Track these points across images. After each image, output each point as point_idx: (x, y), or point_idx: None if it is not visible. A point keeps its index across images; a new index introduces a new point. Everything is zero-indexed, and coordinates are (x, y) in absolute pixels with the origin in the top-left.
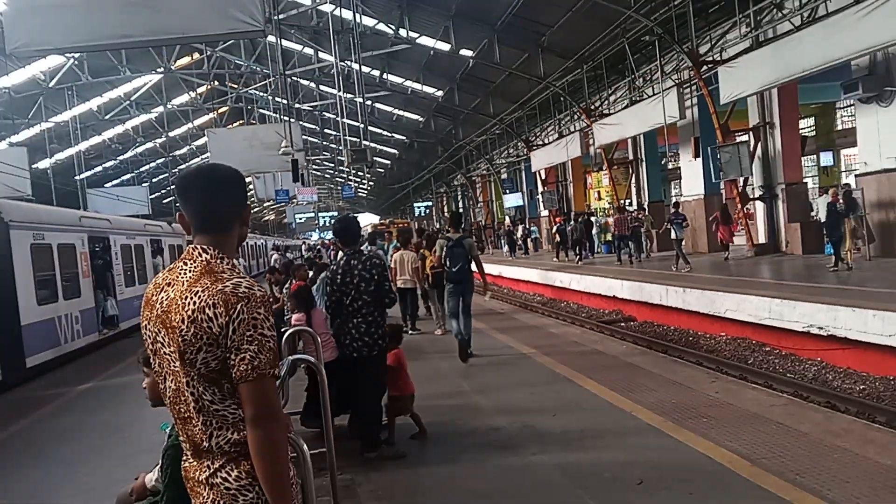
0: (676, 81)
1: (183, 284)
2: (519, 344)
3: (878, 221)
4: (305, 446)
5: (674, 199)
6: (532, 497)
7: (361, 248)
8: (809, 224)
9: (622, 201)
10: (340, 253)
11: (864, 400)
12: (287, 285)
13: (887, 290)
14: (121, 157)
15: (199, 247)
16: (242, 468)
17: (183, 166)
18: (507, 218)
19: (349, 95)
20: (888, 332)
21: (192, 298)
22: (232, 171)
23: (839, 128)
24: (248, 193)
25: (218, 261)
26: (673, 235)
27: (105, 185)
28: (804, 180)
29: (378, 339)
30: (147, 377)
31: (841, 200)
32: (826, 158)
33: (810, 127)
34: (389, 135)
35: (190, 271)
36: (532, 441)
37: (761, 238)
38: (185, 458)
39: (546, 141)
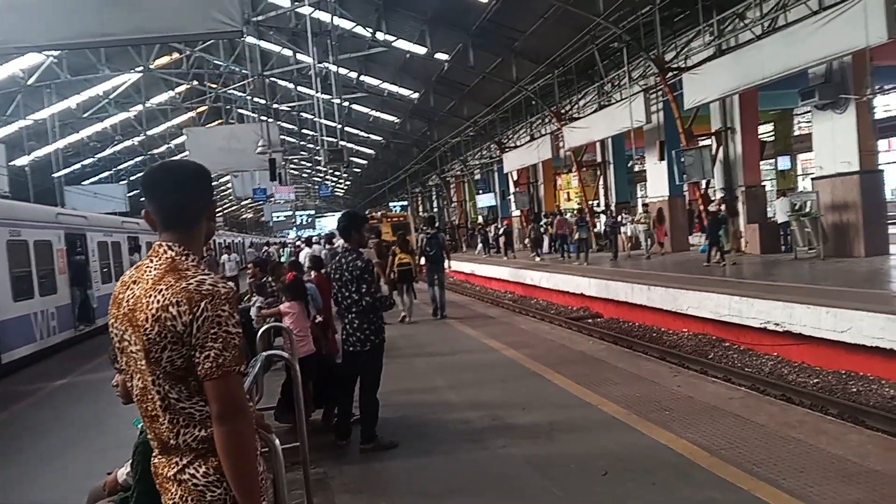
0: (643, 87)
1: (147, 282)
2: (490, 340)
3: (831, 223)
4: (277, 441)
5: (576, 206)
6: (501, 489)
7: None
8: (767, 225)
9: (556, 205)
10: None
11: (818, 393)
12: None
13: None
14: (99, 155)
15: (164, 244)
16: (210, 464)
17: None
18: (479, 217)
19: (326, 96)
20: (840, 328)
21: (155, 297)
22: (196, 166)
23: (796, 133)
24: (226, 192)
25: (183, 258)
26: (576, 236)
27: (83, 183)
28: (763, 183)
29: (370, 335)
30: (118, 375)
31: (723, 209)
32: (784, 162)
33: (769, 132)
34: (366, 135)
35: (155, 269)
36: (502, 434)
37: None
38: (153, 454)
39: (518, 143)
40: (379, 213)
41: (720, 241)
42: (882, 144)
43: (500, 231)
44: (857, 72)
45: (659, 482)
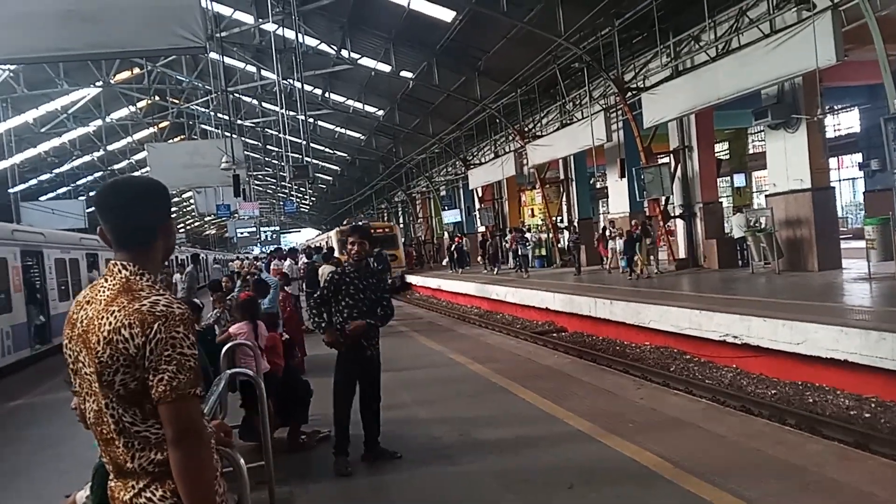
0: (604, 106)
1: (101, 303)
2: (457, 355)
3: (785, 238)
4: (242, 460)
5: (519, 225)
6: None
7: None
8: (725, 240)
9: (521, 221)
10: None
11: (776, 404)
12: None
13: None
14: (57, 171)
15: (118, 263)
16: (167, 487)
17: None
18: (445, 233)
19: (291, 113)
20: (796, 340)
21: (108, 318)
22: (150, 182)
23: (751, 151)
24: (189, 207)
25: (137, 277)
26: (518, 252)
27: (40, 199)
28: (720, 200)
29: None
30: (76, 396)
31: (638, 230)
32: (739, 180)
33: (725, 150)
34: (331, 152)
35: (108, 289)
36: (469, 450)
37: (681, 254)
38: (110, 478)
39: (483, 160)
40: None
41: (634, 257)
42: (833, 162)
43: (452, 247)
44: (807, 93)
45: (623, 494)
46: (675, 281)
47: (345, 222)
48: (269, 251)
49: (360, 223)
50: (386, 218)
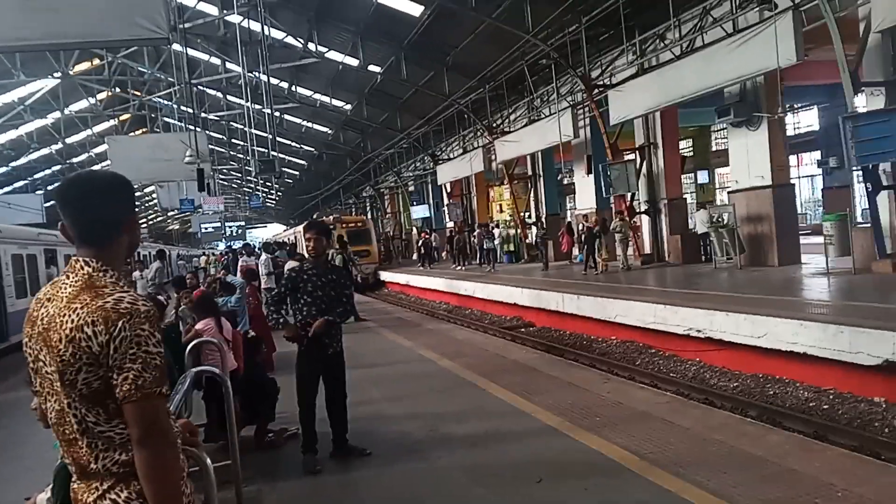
0: (571, 103)
1: (62, 300)
2: (426, 350)
3: (747, 234)
4: (208, 460)
5: (487, 221)
6: (437, 500)
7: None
8: (688, 236)
9: (489, 216)
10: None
11: (738, 396)
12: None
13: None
14: (13, 164)
15: (80, 259)
16: (132, 488)
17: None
18: (413, 229)
19: (257, 106)
20: (757, 333)
21: (70, 316)
22: (113, 176)
23: (714, 149)
24: (151, 202)
25: (100, 274)
26: (485, 246)
27: None
28: (684, 196)
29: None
30: (36, 396)
31: (597, 228)
32: (703, 176)
33: (689, 147)
34: (298, 146)
35: (70, 286)
36: (439, 445)
37: (647, 249)
38: (72, 479)
39: (451, 156)
40: (331, 217)
41: (594, 252)
42: (793, 160)
43: (420, 243)
44: (769, 91)
45: (591, 487)
46: (641, 276)
47: (314, 216)
48: (232, 247)
49: (331, 216)
50: (355, 213)
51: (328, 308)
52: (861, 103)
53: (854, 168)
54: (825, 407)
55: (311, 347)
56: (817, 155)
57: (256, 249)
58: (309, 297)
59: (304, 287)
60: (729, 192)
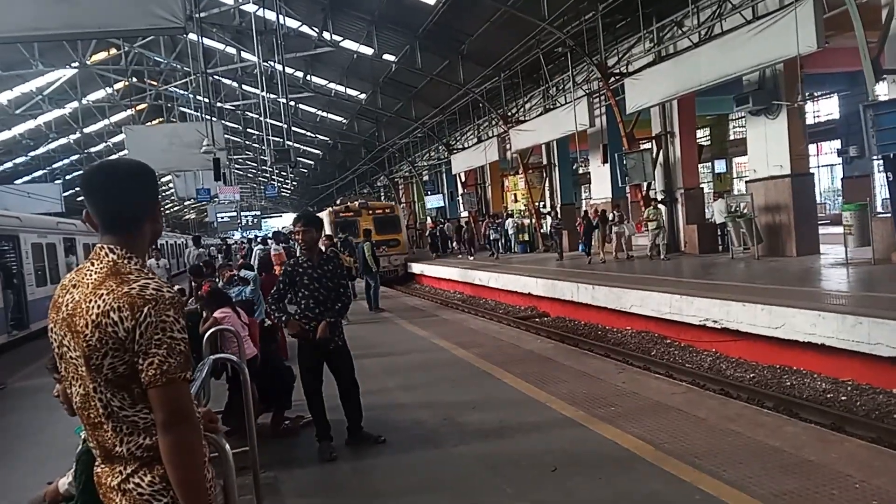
0: (587, 91)
1: (88, 287)
2: (441, 339)
3: (764, 223)
4: (227, 445)
5: (501, 210)
6: (452, 488)
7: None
8: (705, 225)
9: (503, 206)
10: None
11: (754, 387)
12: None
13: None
14: (32, 154)
15: (105, 247)
16: (156, 473)
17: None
18: (428, 218)
19: (272, 96)
20: (774, 324)
21: (96, 302)
22: (139, 165)
23: (731, 138)
24: (168, 192)
25: (125, 261)
26: (491, 236)
27: (15, 182)
28: (701, 185)
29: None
30: (59, 383)
31: (597, 219)
32: (720, 166)
33: (706, 136)
34: (313, 135)
35: (95, 273)
36: (453, 434)
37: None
38: (97, 463)
39: (466, 145)
40: (357, 203)
41: (590, 243)
42: (812, 149)
43: (427, 233)
44: (788, 79)
45: (606, 477)
46: (656, 266)
47: (338, 202)
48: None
49: (356, 202)
50: (384, 199)
51: (325, 300)
52: (882, 91)
53: (874, 157)
54: (843, 398)
55: (313, 344)
56: (837, 144)
57: (268, 239)
58: (306, 291)
59: (300, 281)
60: (747, 182)
